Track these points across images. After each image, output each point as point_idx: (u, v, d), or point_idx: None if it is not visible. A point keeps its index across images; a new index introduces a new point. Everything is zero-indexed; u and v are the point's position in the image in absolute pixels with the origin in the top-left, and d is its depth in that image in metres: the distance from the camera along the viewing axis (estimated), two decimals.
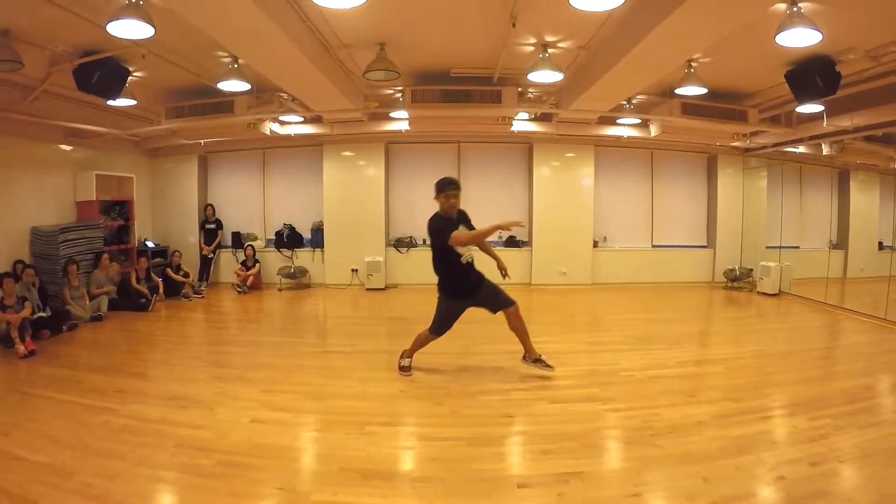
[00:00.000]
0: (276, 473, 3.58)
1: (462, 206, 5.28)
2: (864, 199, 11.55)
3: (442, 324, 5.40)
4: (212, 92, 8.15)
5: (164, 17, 5.02)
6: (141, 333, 7.89)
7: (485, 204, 11.55)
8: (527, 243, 11.87)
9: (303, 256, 11.88)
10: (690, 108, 8.58)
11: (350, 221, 11.57)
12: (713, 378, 5.74)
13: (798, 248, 11.61)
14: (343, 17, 5.68)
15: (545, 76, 6.83)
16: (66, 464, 3.63)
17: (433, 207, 5.23)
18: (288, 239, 11.80)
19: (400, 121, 10.23)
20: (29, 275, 7.43)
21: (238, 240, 11.96)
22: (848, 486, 3.39)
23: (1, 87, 7.32)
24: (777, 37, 5.10)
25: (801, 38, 5.12)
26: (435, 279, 5.33)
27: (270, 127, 10.15)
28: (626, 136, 10.96)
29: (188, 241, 11.80)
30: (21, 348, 6.39)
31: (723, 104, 8.76)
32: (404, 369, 5.61)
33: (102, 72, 6.62)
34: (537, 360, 5.56)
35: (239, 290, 11.01)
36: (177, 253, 10.90)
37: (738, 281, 11.56)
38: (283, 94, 8.64)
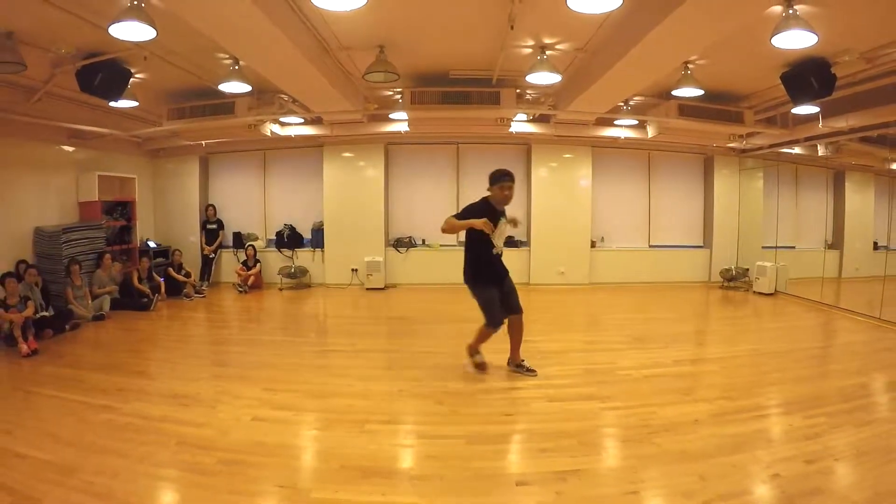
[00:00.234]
0: (276, 471, 3.58)
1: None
2: (860, 200, 11.56)
3: (492, 313, 5.33)
4: (213, 93, 8.15)
5: (166, 20, 5.02)
6: (143, 333, 7.89)
7: None
8: (525, 243, 11.87)
9: (303, 256, 11.88)
10: (687, 109, 8.58)
11: (350, 222, 11.57)
12: (709, 377, 5.74)
13: (794, 248, 11.61)
14: (343, 19, 5.69)
15: (543, 78, 6.84)
16: (69, 461, 3.63)
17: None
18: (288, 239, 11.80)
19: (399, 122, 10.23)
20: (32, 274, 7.43)
21: (239, 240, 11.96)
22: (843, 484, 3.40)
23: (4, 88, 7.32)
24: (773, 39, 5.11)
25: (796, 41, 5.12)
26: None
27: (271, 128, 10.15)
28: (623, 137, 10.96)
29: (189, 242, 11.78)
30: (24, 347, 6.39)
31: (719, 105, 8.76)
32: (480, 366, 5.69)
33: (105, 73, 6.62)
34: (519, 366, 5.64)
35: (240, 289, 11.01)
36: (178, 252, 10.90)
37: (735, 281, 11.56)
38: (283, 96, 8.64)
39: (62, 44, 6.20)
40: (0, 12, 5.27)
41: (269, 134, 10.15)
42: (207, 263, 11.56)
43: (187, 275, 10.66)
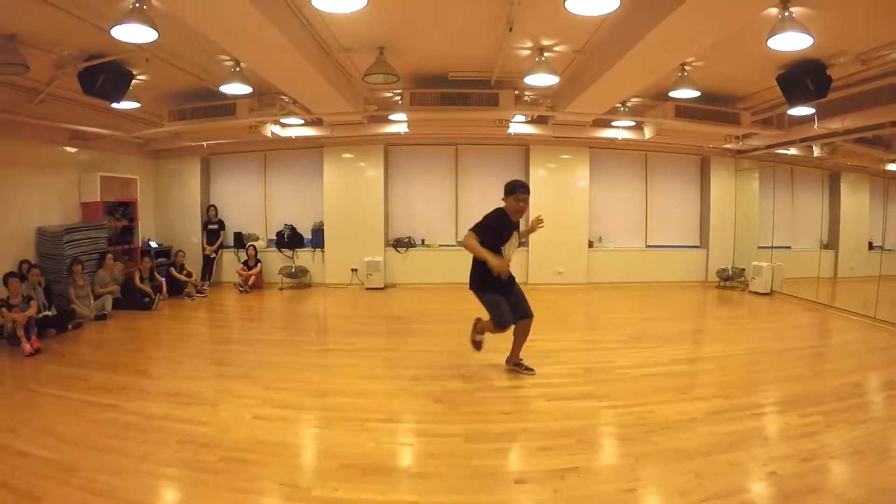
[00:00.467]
0: (277, 469, 3.58)
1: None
2: (855, 200, 11.56)
3: (499, 317, 5.18)
4: (214, 95, 8.16)
5: (168, 22, 5.01)
6: (145, 332, 7.89)
7: (483, 205, 11.49)
8: (523, 243, 11.82)
9: (303, 256, 11.87)
10: (684, 110, 8.59)
11: (350, 222, 11.57)
12: (706, 375, 5.74)
13: (789, 248, 11.61)
14: (343, 21, 5.69)
15: (541, 79, 6.85)
16: (72, 460, 3.63)
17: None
18: (289, 239, 11.80)
19: (399, 123, 10.23)
20: (34, 274, 7.43)
21: (240, 240, 11.96)
22: (838, 482, 3.40)
23: (7, 90, 7.31)
24: (769, 41, 5.11)
25: (792, 42, 5.13)
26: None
27: (272, 129, 10.15)
28: (620, 139, 10.98)
29: (191, 242, 11.78)
30: (27, 347, 6.38)
31: (716, 107, 8.77)
32: (476, 343, 5.79)
33: (107, 75, 6.62)
34: (518, 364, 5.65)
35: (241, 289, 11.01)
36: (181, 253, 10.89)
37: (731, 280, 11.57)
38: (284, 97, 8.66)
39: (64, 46, 6.21)
40: (3, 14, 5.28)
41: (269, 135, 10.15)
42: (209, 263, 11.56)
43: (189, 275, 10.66)
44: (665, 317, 8.92)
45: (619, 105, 9.13)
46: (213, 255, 11.59)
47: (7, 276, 7.07)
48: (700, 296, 10.96)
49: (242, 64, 6.91)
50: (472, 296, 5.34)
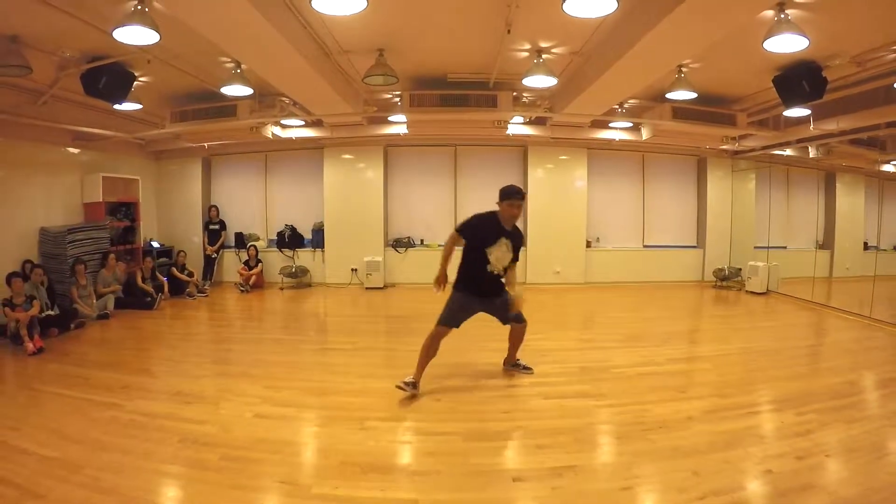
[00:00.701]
0: (278, 467, 3.58)
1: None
2: (850, 201, 11.58)
3: (447, 313, 4.96)
4: (215, 96, 8.16)
5: (169, 24, 5.01)
6: (146, 331, 7.89)
7: (481, 205, 11.47)
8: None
9: (304, 256, 11.87)
10: (681, 112, 8.59)
11: (350, 222, 11.57)
12: (702, 374, 5.75)
13: (785, 248, 11.63)
14: (343, 23, 5.68)
15: (539, 81, 6.84)
16: (74, 458, 3.63)
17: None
18: (289, 239, 11.80)
19: (398, 124, 10.23)
20: (37, 274, 7.42)
21: (241, 240, 11.96)
22: (833, 480, 3.40)
23: (10, 91, 7.32)
24: (765, 43, 5.12)
25: (788, 44, 5.15)
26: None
27: (272, 130, 10.14)
28: (618, 140, 10.98)
29: (192, 242, 11.79)
30: (30, 346, 6.38)
31: (712, 108, 8.77)
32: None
33: (109, 77, 6.62)
34: (515, 365, 5.63)
35: (242, 289, 11.01)
36: (182, 253, 10.90)
37: (727, 280, 11.57)
38: (284, 99, 8.65)
39: (67, 47, 6.21)
40: (5, 16, 5.27)
41: (270, 136, 10.13)
42: (210, 263, 11.57)
43: (190, 274, 10.66)
44: (662, 316, 8.92)
45: (617, 106, 9.13)
46: (215, 256, 11.59)
47: (10, 275, 7.06)
48: (697, 295, 10.97)
49: (243, 66, 6.91)
50: None
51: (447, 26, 6.02)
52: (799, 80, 6.62)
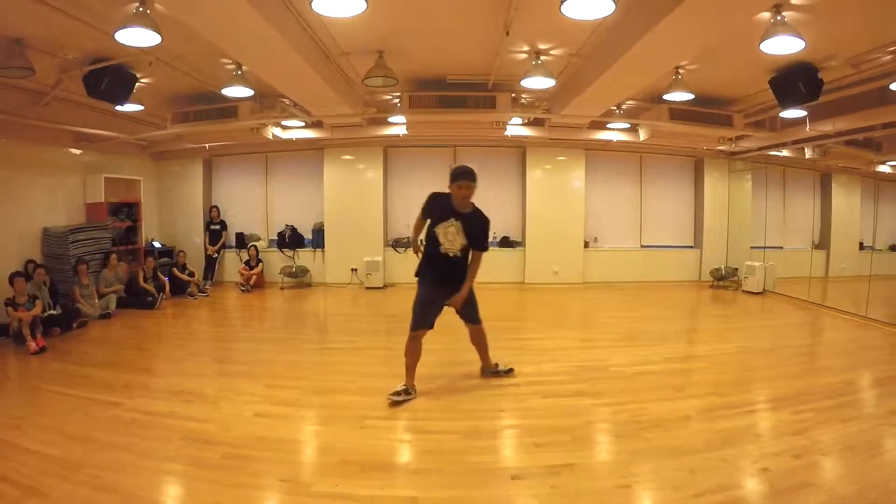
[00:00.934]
0: (278, 465, 3.58)
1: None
2: (846, 201, 11.56)
3: (413, 315, 4.89)
4: (216, 98, 8.15)
5: (171, 26, 5.00)
6: (148, 331, 7.89)
7: (480, 206, 11.54)
8: (520, 243, 11.88)
9: (304, 256, 11.86)
10: (678, 113, 8.59)
11: (350, 222, 11.56)
12: (699, 374, 5.75)
13: (782, 248, 11.61)
14: (343, 25, 5.68)
15: (538, 82, 6.84)
16: (76, 456, 3.63)
17: None
18: (290, 239, 11.79)
19: (398, 125, 10.23)
20: (40, 274, 7.42)
21: (242, 240, 11.95)
22: (830, 478, 3.40)
23: (14, 92, 7.32)
24: (761, 45, 5.12)
25: (784, 46, 5.14)
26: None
27: (273, 131, 10.13)
28: (615, 141, 10.96)
29: (193, 242, 11.78)
30: (32, 345, 6.38)
31: (709, 109, 8.77)
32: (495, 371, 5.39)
33: (111, 78, 6.61)
34: (495, 372, 5.43)
35: (242, 288, 11.01)
36: (181, 253, 10.89)
37: (724, 280, 11.57)
38: (285, 100, 8.65)
39: (69, 49, 6.21)
40: (9, 18, 5.27)
41: (270, 137, 10.12)
42: (211, 263, 11.57)
43: (191, 274, 10.66)
44: (659, 316, 8.92)
45: (615, 107, 9.14)
46: (216, 255, 11.58)
47: (13, 275, 7.05)
48: (694, 295, 10.96)
49: (244, 67, 6.90)
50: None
51: (446, 28, 6.02)
52: (795, 81, 6.63)
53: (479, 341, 5.33)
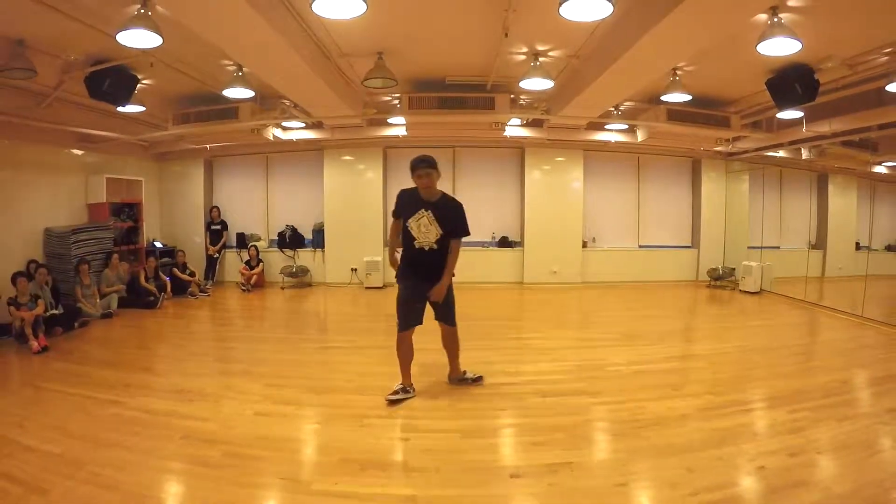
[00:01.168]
0: (278, 464, 3.58)
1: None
2: (842, 202, 11.57)
3: (398, 314, 4.74)
4: (217, 99, 8.15)
5: (172, 28, 5.01)
6: (149, 330, 7.89)
7: (479, 206, 11.65)
8: (519, 243, 11.88)
9: (304, 256, 11.87)
10: (675, 114, 8.59)
11: (350, 222, 11.56)
12: (697, 373, 5.75)
13: (778, 248, 11.62)
14: (343, 27, 5.69)
15: (536, 84, 6.84)
16: (77, 454, 3.63)
17: None
18: (290, 239, 11.79)
19: (397, 126, 10.25)
20: (42, 274, 7.41)
21: (242, 240, 11.96)
22: (825, 476, 3.41)
23: (16, 94, 7.32)
24: (758, 46, 5.13)
25: (781, 48, 5.16)
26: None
27: (273, 132, 10.13)
28: (613, 141, 10.98)
29: (194, 242, 11.78)
30: (34, 344, 6.38)
31: (706, 110, 8.77)
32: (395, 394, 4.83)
33: (112, 79, 6.62)
34: (462, 379, 5.13)
35: (243, 288, 11.01)
36: (181, 252, 10.89)
37: (721, 280, 11.58)
38: (285, 101, 8.66)
39: (71, 51, 6.21)
40: (11, 20, 5.28)
41: (271, 138, 10.13)
42: (212, 263, 11.57)
43: (192, 274, 10.66)
44: (657, 315, 8.92)
45: (613, 109, 9.14)
46: (216, 255, 11.58)
47: (15, 275, 7.05)
48: (691, 295, 10.97)
49: (245, 69, 6.90)
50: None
51: (445, 30, 6.03)
52: (792, 82, 6.64)
53: (451, 345, 5.04)
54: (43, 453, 3.65)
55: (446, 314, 4.88)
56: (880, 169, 10.39)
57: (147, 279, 9.63)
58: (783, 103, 7.05)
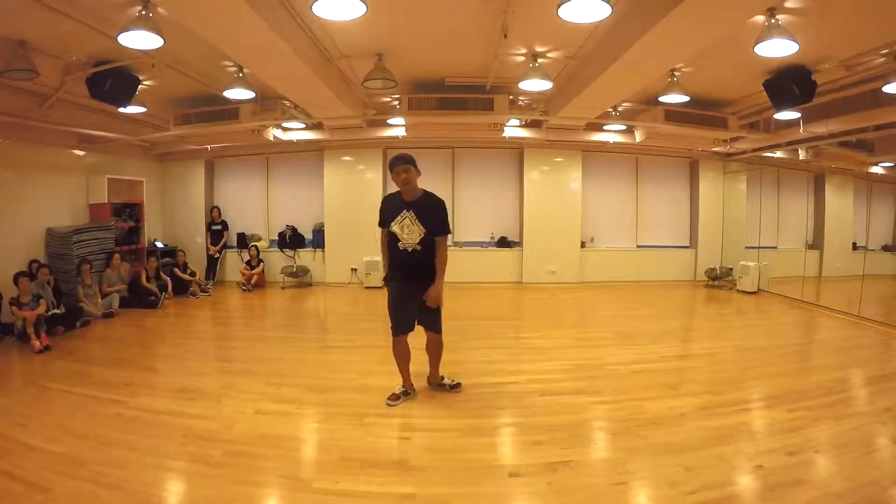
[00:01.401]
0: (279, 462, 3.58)
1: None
2: (839, 202, 11.57)
3: (391, 318, 4.66)
4: (218, 100, 8.15)
5: (173, 29, 5.00)
6: (150, 329, 7.89)
7: (478, 206, 11.67)
8: (518, 244, 11.88)
9: (304, 256, 11.87)
10: (673, 115, 8.59)
11: (349, 223, 11.54)
12: (695, 372, 5.75)
13: (776, 248, 11.62)
14: (343, 28, 5.68)
15: (535, 85, 6.84)
16: (79, 453, 3.63)
17: None
18: (290, 239, 11.79)
19: (397, 127, 10.24)
20: (44, 273, 7.41)
21: (243, 240, 11.95)
22: (823, 475, 3.41)
23: (18, 95, 7.30)
24: (756, 47, 5.13)
25: (778, 49, 5.15)
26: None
27: (274, 133, 10.12)
28: (612, 142, 10.97)
29: (195, 242, 11.78)
30: (36, 344, 6.38)
31: (704, 111, 8.77)
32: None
33: (114, 80, 6.61)
34: (440, 385, 4.99)
35: (244, 288, 11.01)
36: (181, 252, 10.90)
37: (719, 279, 11.58)
38: (285, 102, 8.65)
39: (73, 52, 6.20)
40: (13, 22, 5.26)
41: (271, 139, 10.12)
42: (212, 263, 11.55)
43: (192, 274, 10.66)
44: (655, 315, 8.92)
45: (611, 109, 9.13)
46: (217, 255, 11.57)
47: (17, 275, 7.05)
48: (689, 294, 10.97)
49: (245, 70, 6.89)
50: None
51: (445, 31, 6.02)
52: (789, 83, 6.63)
53: (435, 351, 4.89)
54: (45, 452, 3.66)
55: (432, 322, 4.73)
56: (877, 169, 10.39)
57: (148, 279, 9.63)
58: (780, 104, 7.05)
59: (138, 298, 9.27)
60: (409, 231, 4.54)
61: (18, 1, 4.71)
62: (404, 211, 4.58)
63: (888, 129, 7.86)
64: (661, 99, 7.54)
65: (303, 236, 11.97)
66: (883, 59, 6.08)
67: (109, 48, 5.84)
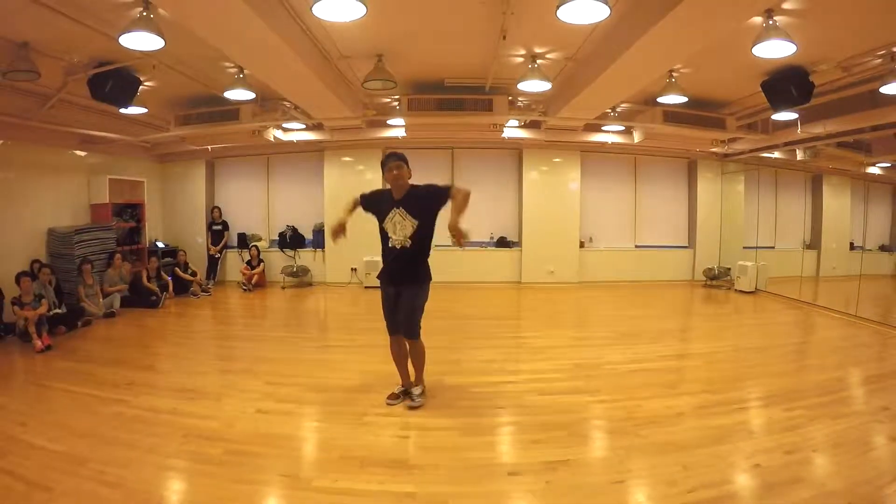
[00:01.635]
0: (279, 461, 3.58)
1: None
2: (837, 202, 11.57)
3: (385, 319, 4.69)
4: (219, 100, 8.15)
5: (174, 30, 5.01)
6: (152, 329, 7.88)
7: (477, 207, 11.56)
8: (516, 243, 11.88)
9: (305, 256, 11.86)
10: (672, 115, 8.59)
11: (349, 223, 11.48)
12: (693, 371, 5.75)
13: (773, 248, 11.63)
14: (343, 30, 5.69)
15: (534, 86, 6.84)
16: (81, 452, 3.63)
17: None
18: (290, 239, 11.79)
19: (397, 128, 10.25)
20: (45, 273, 7.42)
21: (243, 240, 11.94)
22: (821, 474, 3.41)
23: (20, 95, 7.30)
24: (754, 48, 5.13)
25: (776, 50, 5.16)
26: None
27: (274, 133, 10.12)
28: (610, 143, 10.98)
29: (196, 242, 11.77)
30: (38, 343, 6.38)
31: (702, 112, 8.77)
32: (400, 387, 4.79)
33: (115, 81, 6.61)
34: (408, 392, 4.69)
35: (244, 288, 11.00)
36: (182, 252, 10.89)
37: (717, 279, 11.58)
38: (286, 103, 8.66)
39: (74, 53, 6.20)
40: (15, 23, 5.26)
41: (272, 139, 10.12)
42: (213, 263, 11.54)
43: (193, 273, 10.66)
44: (653, 314, 8.92)
45: (610, 110, 9.14)
46: (218, 255, 11.55)
47: (19, 275, 7.05)
48: (687, 294, 10.98)
49: (246, 71, 6.90)
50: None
51: (444, 32, 6.02)
52: (787, 84, 6.63)
53: (416, 360, 4.69)
54: (46, 451, 3.66)
55: (405, 324, 4.53)
56: (874, 170, 10.39)
57: (149, 279, 9.62)
58: (778, 105, 7.06)
59: (139, 298, 9.26)
60: (400, 227, 4.58)
61: (20, 2, 4.71)
62: (393, 209, 4.63)
63: (885, 130, 7.88)
64: (660, 100, 7.54)
65: (303, 236, 11.95)
66: (880, 60, 6.09)
67: (111, 49, 5.84)
